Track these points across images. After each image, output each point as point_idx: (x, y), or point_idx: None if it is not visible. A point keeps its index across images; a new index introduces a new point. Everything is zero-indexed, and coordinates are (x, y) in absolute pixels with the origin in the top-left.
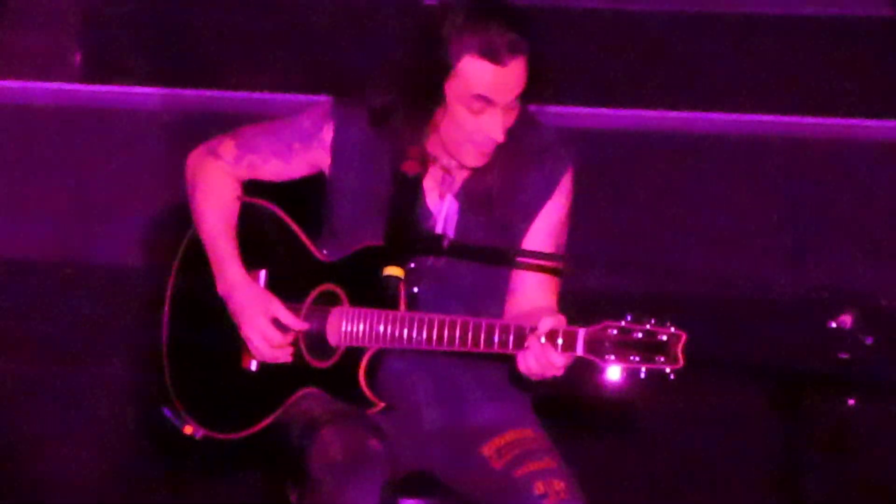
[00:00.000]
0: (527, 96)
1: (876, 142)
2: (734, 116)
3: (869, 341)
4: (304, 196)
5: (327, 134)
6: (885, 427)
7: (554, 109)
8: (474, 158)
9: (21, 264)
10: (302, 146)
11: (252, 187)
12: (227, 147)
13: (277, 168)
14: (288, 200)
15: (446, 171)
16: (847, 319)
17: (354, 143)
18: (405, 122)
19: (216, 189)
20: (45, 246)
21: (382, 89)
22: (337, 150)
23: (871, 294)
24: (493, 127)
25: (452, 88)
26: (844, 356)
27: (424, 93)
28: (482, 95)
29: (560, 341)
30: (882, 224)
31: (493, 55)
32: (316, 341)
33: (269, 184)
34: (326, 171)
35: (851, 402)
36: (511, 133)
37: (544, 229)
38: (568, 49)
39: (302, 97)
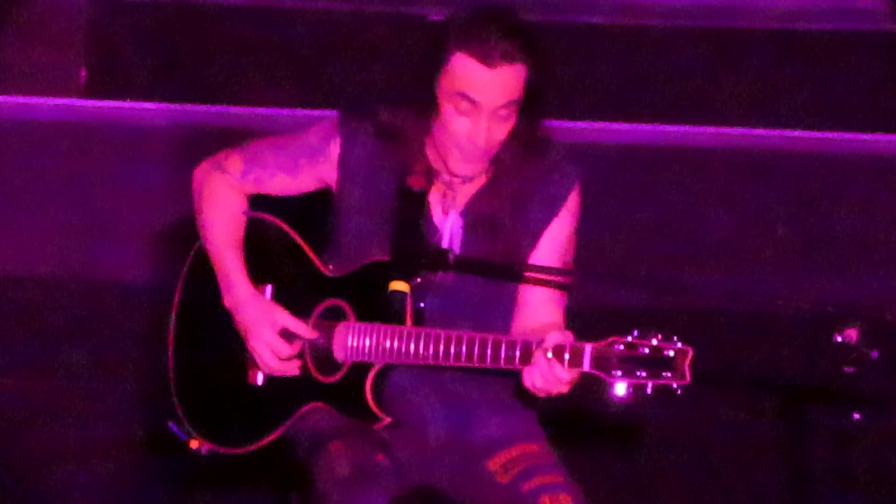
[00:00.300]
0: (526, 111)
1: (880, 155)
2: (738, 131)
3: (874, 355)
4: (310, 211)
5: (334, 149)
6: (890, 441)
7: (560, 124)
8: (460, 165)
9: (25, 280)
10: (308, 161)
11: (259, 202)
12: (234, 161)
13: (284, 183)
14: (294, 215)
15: (448, 186)
16: (852, 333)
17: (361, 159)
18: (406, 130)
19: (223, 203)
20: (50, 262)
21: (388, 103)
22: (343, 166)
23: (876, 308)
24: (475, 131)
25: (443, 86)
26: (850, 370)
27: (421, 92)
28: (467, 95)
29: (566, 357)
30: (887, 238)
31: (483, 56)
32: (322, 356)
33: (275, 198)
34: (333, 186)
35: (857, 416)
36: (516, 151)
37: (550, 246)
38: (573, 63)
39: (308, 112)
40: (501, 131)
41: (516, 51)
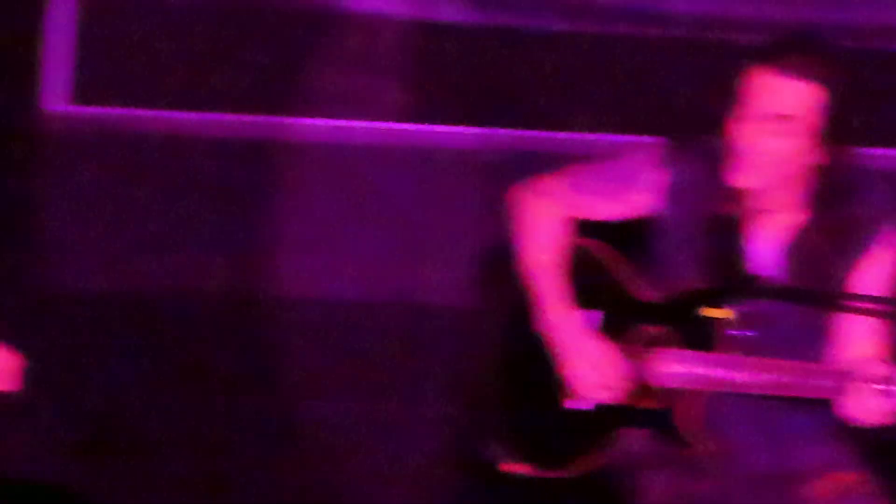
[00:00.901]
0: (830, 141)
1: None
2: None
3: None
4: (629, 236)
5: (655, 176)
6: None
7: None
8: (735, 174)
9: (342, 305)
10: (630, 188)
11: (580, 227)
12: (555, 186)
13: (604, 209)
14: (613, 240)
15: (761, 212)
16: None
17: (681, 186)
18: (723, 155)
19: (543, 227)
20: (366, 285)
21: (707, 129)
22: (663, 192)
23: None
24: (743, 133)
25: (738, 96)
26: None
27: (731, 110)
28: (747, 97)
29: (887, 388)
30: None
31: (774, 64)
32: (638, 382)
33: (595, 224)
34: (652, 212)
35: None
36: (830, 184)
37: (869, 280)
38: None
39: (623, 138)
40: (778, 146)
41: (811, 70)
